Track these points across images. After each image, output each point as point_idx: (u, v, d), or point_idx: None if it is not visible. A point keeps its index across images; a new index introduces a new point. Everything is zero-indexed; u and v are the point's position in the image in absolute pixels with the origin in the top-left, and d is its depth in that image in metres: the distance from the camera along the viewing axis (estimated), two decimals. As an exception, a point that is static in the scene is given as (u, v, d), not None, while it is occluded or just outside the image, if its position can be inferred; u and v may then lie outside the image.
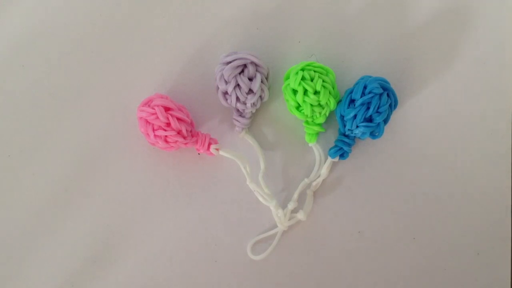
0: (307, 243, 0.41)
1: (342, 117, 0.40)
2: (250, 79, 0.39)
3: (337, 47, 0.42)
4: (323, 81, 0.38)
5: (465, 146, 0.42)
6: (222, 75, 0.39)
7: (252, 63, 0.39)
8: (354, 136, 0.40)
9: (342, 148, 0.40)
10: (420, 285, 0.41)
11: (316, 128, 0.40)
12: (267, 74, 0.41)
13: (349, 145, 0.40)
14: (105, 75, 0.43)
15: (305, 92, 0.38)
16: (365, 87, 0.38)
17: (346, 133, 0.40)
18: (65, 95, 0.42)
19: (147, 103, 0.39)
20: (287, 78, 0.40)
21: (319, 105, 0.39)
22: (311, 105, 0.39)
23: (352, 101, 0.39)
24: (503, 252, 0.41)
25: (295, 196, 0.41)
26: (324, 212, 0.42)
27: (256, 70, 0.39)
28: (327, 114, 0.40)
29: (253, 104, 0.40)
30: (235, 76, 0.39)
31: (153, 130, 0.38)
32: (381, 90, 0.38)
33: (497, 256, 0.41)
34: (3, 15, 0.43)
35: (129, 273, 0.41)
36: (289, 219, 0.41)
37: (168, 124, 0.38)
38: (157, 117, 0.38)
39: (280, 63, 0.42)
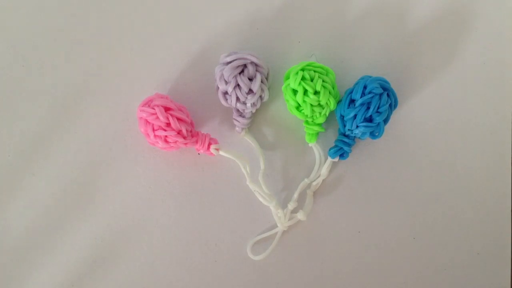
0: (307, 243, 0.41)
1: (342, 117, 0.40)
2: (250, 79, 0.39)
3: (337, 47, 0.42)
4: (323, 81, 0.38)
5: (465, 146, 0.42)
6: (222, 75, 0.39)
7: (252, 63, 0.39)
8: (354, 136, 0.40)
9: (342, 148, 0.40)
10: (420, 285, 0.41)
11: (316, 128, 0.40)
12: (267, 74, 0.41)
13: (349, 145, 0.40)
14: (105, 75, 0.43)
15: (305, 92, 0.38)
16: (365, 87, 0.38)
17: (346, 133, 0.40)
18: (65, 95, 0.42)
19: (147, 103, 0.39)
20: (287, 78, 0.40)
21: (319, 105, 0.39)
22: (311, 105, 0.39)
23: (352, 101, 0.39)
24: (503, 252, 0.41)
25: (295, 196, 0.41)
26: (324, 212, 0.42)
27: (256, 70, 0.39)
28: (327, 114, 0.40)
29: (253, 104, 0.40)
30: (235, 76, 0.39)
31: (153, 130, 0.38)
32: (381, 90, 0.38)
33: (497, 256, 0.41)
34: (3, 15, 0.43)
35: (129, 273, 0.41)
36: (289, 219, 0.41)
37: (168, 124, 0.38)
38: (157, 117, 0.38)
39: (280, 63, 0.42)
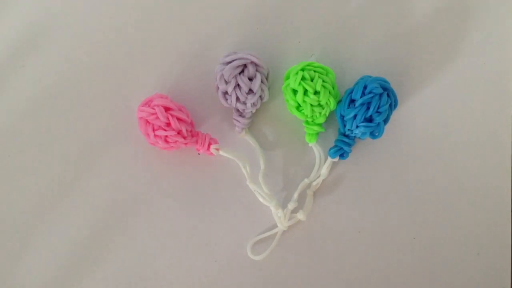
0: (307, 243, 0.41)
1: (342, 117, 0.40)
2: (250, 79, 0.39)
3: (337, 47, 0.42)
4: (323, 81, 0.38)
5: (465, 146, 0.42)
6: (222, 75, 0.39)
7: (252, 63, 0.39)
8: (354, 136, 0.40)
9: (342, 148, 0.40)
10: (420, 285, 0.41)
11: (316, 128, 0.40)
12: (267, 74, 0.41)
13: (349, 145, 0.40)
14: (105, 75, 0.43)
15: (305, 92, 0.38)
16: (365, 87, 0.38)
17: (346, 133, 0.40)
18: (65, 95, 0.42)
19: (147, 103, 0.39)
20: (287, 78, 0.40)
21: (319, 105, 0.39)
22: (311, 105, 0.39)
23: (352, 101, 0.39)
24: (503, 252, 0.41)
25: (295, 196, 0.41)
26: (324, 212, 0.42)
27: (256, 70, 0.39)
28: (327, 114, 0.40)
29: (253, 104, 0.40)
30: (235, 76, 0.39)
31: (153, 130, 0.38)
32: (381, 90, 0.38)
33: (497, 256, 0.41)
34: (3, 15, 0.43)
35: (128, 273, 0.41)
36: (289, 219, 0.41)
37: (168, 124, 0.38)
38: (157, 117, 0.38)
39: (280, 63, 0.42)
